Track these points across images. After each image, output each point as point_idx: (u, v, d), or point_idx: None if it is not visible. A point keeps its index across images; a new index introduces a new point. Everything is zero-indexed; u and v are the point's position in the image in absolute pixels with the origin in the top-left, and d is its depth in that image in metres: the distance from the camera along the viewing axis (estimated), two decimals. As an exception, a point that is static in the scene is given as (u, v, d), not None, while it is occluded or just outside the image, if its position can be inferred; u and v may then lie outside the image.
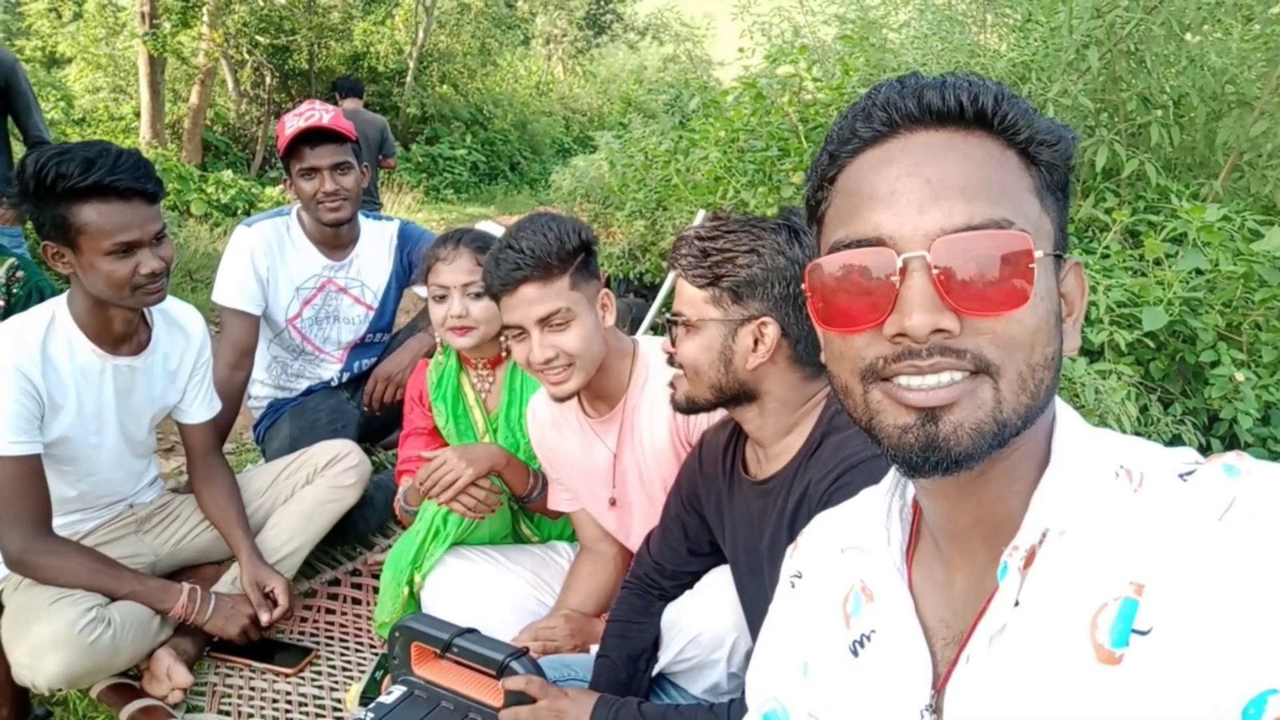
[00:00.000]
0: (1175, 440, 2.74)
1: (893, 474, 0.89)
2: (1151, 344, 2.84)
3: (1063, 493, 0.72)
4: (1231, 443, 2.84)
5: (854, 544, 0.90)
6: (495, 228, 2.52)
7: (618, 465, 1.97)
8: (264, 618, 2.17)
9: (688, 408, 1.54)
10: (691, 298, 1.47)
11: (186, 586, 2.11)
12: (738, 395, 1.48)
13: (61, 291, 3.18)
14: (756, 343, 1.44)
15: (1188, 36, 3.47)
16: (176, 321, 2.25)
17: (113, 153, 1.90)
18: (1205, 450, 2.81)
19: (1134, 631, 0.64)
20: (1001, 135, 0.72)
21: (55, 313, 2.02)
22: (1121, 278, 2.87)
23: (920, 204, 0.70)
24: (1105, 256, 3.02)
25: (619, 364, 1.92)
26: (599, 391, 1.93)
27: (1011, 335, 0.69)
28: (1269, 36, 3.32)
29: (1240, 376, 2.63)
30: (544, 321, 1.77)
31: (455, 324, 2.20)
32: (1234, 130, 3.38)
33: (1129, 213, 3.23)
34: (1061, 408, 0.77)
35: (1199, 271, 2.78)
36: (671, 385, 1.56)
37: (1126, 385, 2.56)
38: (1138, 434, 2.65)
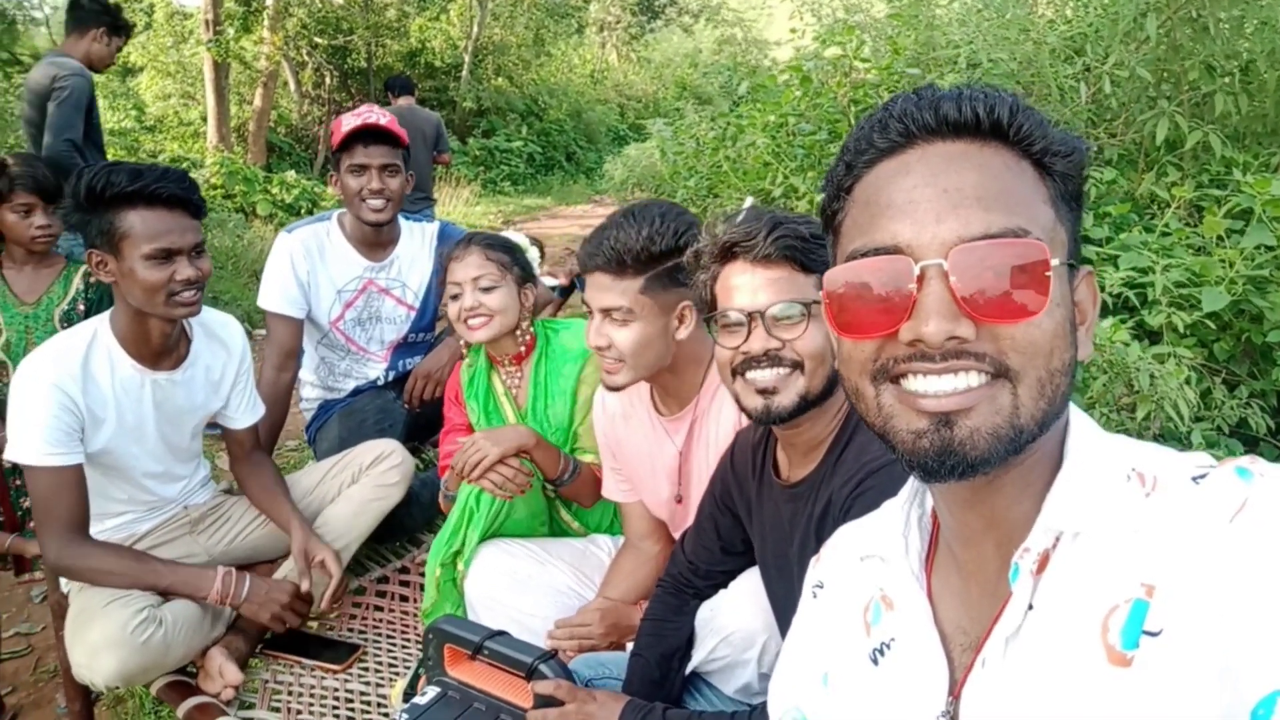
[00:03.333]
0: (1242, 423, 2.63)
1: (912, 483, 0.90)
2: (1214, 325, 2.72)
3: (1075, 496, 0.73)
4: (1303, 426, 2.71)
5: (873, 553, 0.91)
6: (518, 235, 2.54)
7: (684, 465, 1.96)
8: (304, 585, 2.23)
9: (799, 408, 1.41)
10: (802, 284, 1.41)
11: (221, 570, 2.15)
12: (832, 387, 1.44)
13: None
14: None
15: (1254, -1, 3.30)
16: (215, 334, 2.31)
17: (161, 168, 2.02)
18: (1275, 433, 2.69)
19: (1145, 633, 0.64)
20: (1016, 146, 0.73)
21: (97, 330, 2.10)
22: (1182, 256, 2.76)
23: (937, 213, 0.71)
24: (1165, 234, 2.90)
25: (692, 368, 1.90)
26: (671, 390, 1.93)
27: (1031, 341, 0.69)
28: (1345, -6, 3.14)
29: (1311, 357, 2.50)
30: (606, 312, 1.79)
31: (469, 316, 2.24)
32: (1307, 95, 3.21)
33: (1192, 187, 3.10)
34: (1075, 412, 0.77)
35: (1266, 247, 2.66)
36: (767, 392, 1.41)
37: (1186, 369, 2.45)
38: (1199, 419, 2.55)
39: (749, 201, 1.65)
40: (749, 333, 1.40)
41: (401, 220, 2.95)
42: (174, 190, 1.99)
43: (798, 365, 1.39)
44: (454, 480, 2.26)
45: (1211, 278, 2.60)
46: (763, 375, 1.40)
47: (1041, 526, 0.72)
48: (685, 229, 1.76)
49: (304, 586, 2.24)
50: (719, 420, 1.88)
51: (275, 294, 2.78)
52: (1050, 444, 0.75)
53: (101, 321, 2.12)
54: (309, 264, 2.81)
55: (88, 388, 2.04)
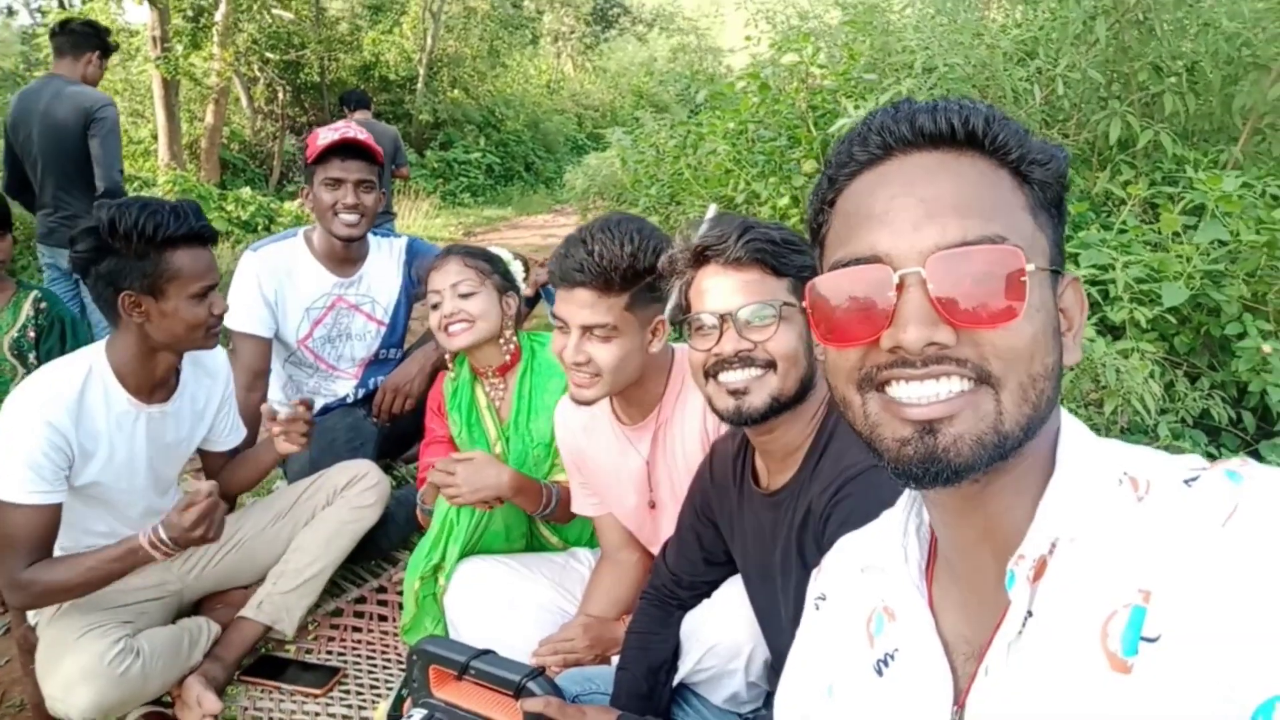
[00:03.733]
0: (1204, 415, 2.69)
1: (909, 492, 0.90)
2: (1174, 319, 2.78)
3: (1068, 502, 0.73)
4: (1263, 415, 2.77)
5: (873, 564, 0.91)
6: (501, 250, 2.53)
7: (653, 472, 1.96)
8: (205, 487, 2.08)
9: (771, 409, 1.41)
10: (773, 286, 1.42)
11: (143, 537, 2.01)
12: (806, 390, 1.45)
13: (82, 323, 3.25)
14: None
15: (1198, 1, 3.39)
16: (201, 362, 2.29)
17: (179, 204, 2.01)
18: (1236, 423, 2.76)
19: (1143, 639, 0.64)
20: (993, 155, 0.74)
21: (93, 364, 2.05)
22: (1140, 253, 2.81)
23: (915, 222, 0.72)
24: (1123, 232, 2.96)
25: (656, 377, 1.90)
26: (633, 400, 1.92)
27: (1011, 346, 0.70)
28: (1283, -5, 3.23)
29: (1268, 348, 2.56)
30: (587, 329, 1.76)
31: (449, 322, 2.24)
32: (1251, 94, 3.30)
33: (1145, 185, 3.17)
34: (1066, 417, 0.78)
35: (1220, 243, 2.72)
36: (738, 393, 1.41)
37: (1149, 363, 2.51)
38: (1164, 411, 2.61)
39: (713, 208, 1.65)
40: (720, 335, 1.41)
41: (370, 236, 2.93)
42: (209, 227, 2.03)
43: (770, 365, 1.40)
44: (430, 494, 2.25)
45: (1170, 273, 2.66)
46: (734, 377, 1.41)
47: (1035, 533, 0.73)
48: (663, 245, 1.75)
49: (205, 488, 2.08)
50: (684, 425, 1.89)
51: (242, 314, 2.74)
52: (1041, 450, 0.75)
53: (97, 355, 2.07)
54: (275, 283, 2.77)
55: (81, 422, 2.00)
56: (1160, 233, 2.85)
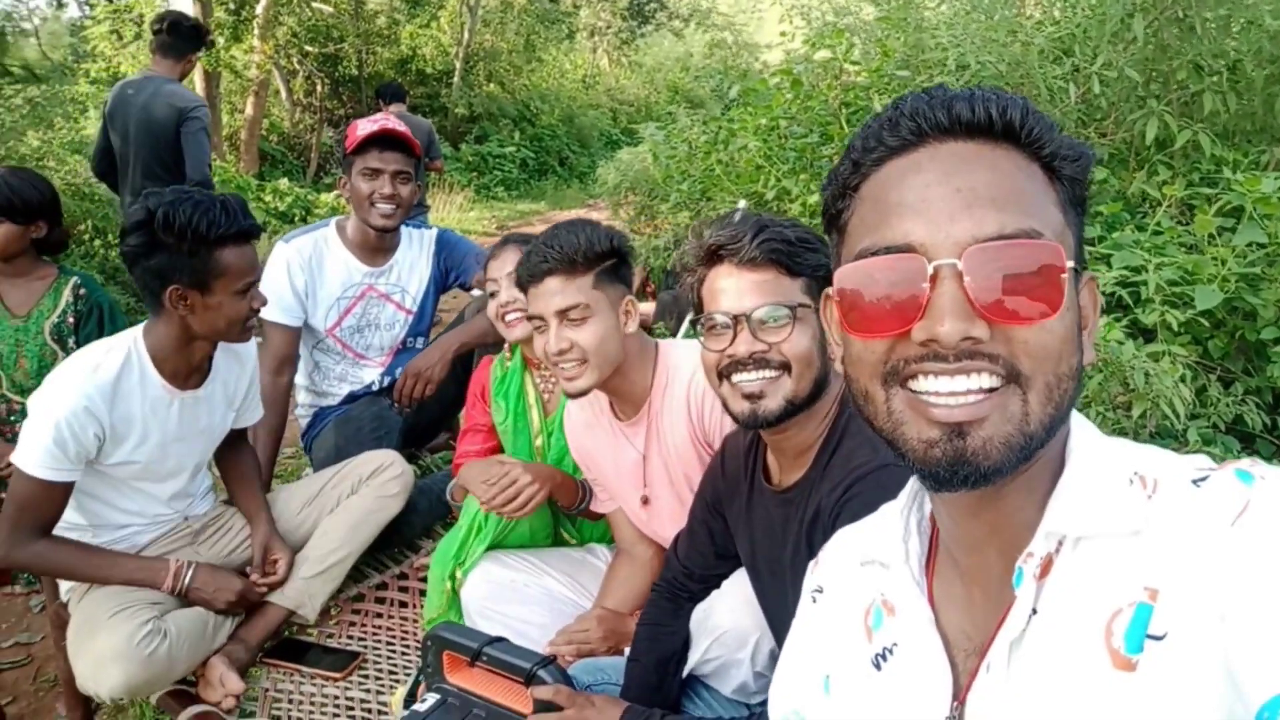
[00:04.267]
0: (1238, 420, 2.64)
1: (910, 487, 0.89)
2: (1208, 323, 2.73)
3: (1077, 500, 0.72)
4: (1298, 421, 2.72)
5: (874, 558, 0.90)
6: None
7: (647, 466, 1.99)
8: (254, 576, 2.31)
9: (786, 412, 1.41)
10: (788, 287, 1.42)
11: (173, 564, 2.17)
12: (820, 391, 1.44)
13: (123, 310, 3.32)
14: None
15: (1241, -2, 3.31)
16: (231, 347, 2.33)
17: (227, 200, 2.06)
18: (1271, 429, 2.70)
19: (1149, 637, 0.64)
20: (1027, 149, 0.73)
21: (131, 348, 2.11)
22: (1175, 255, 2.76)
23: (951, 212, 0.70)
24: (1158, 233, 2.91)
25: (642, 368, 1.94)
26: (625, 395, 1.96)
27: (1043, 344, 0.69)
28: (1331, -8, 3.16)
29: (1304, 353, 2.51)
30: (563, 314, 1.81)
31: (506, 311, 2.29)
32: (1294, 94, 3.22)
33: (1182, 186, 3.11)
34: (1076, 417, 0.77)
35: (1258, 245, 2.66)
36: (754, 396, 1.40)
37: (1181, 367, 2.46)
38: (1195, 416, 2.56)
39: (742, 205, 1.66)
40: (734, 336, 1.40)
41: (401, 227, 2.97)
42: (255, 224, 2.09)
43: (785, 367, 1.39)
44: (459, 493, 2.32)
45: (1204, 276, 2.61)
46: (749, 378, 1.40)
47: (1045, 531, 0.72)
48: (615, 234, 1.89)
49: (254, 578, 2.30)
50: (671, 416, 1.91)
51: (272, 303, 2.78)
52: (1053, 448, 0.74)
53: (135, 340, 2.12)
54: (306, 274, 2.82)
55: (116, 405, 2.05)
56: (1196, 234, 2.79)
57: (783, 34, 6.28)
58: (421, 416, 2.95)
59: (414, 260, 3.01)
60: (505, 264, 2.30)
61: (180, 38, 4.29)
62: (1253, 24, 3.29)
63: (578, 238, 1.82)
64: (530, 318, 1.90)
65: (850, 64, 4.74)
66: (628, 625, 2.02)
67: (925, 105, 0.73)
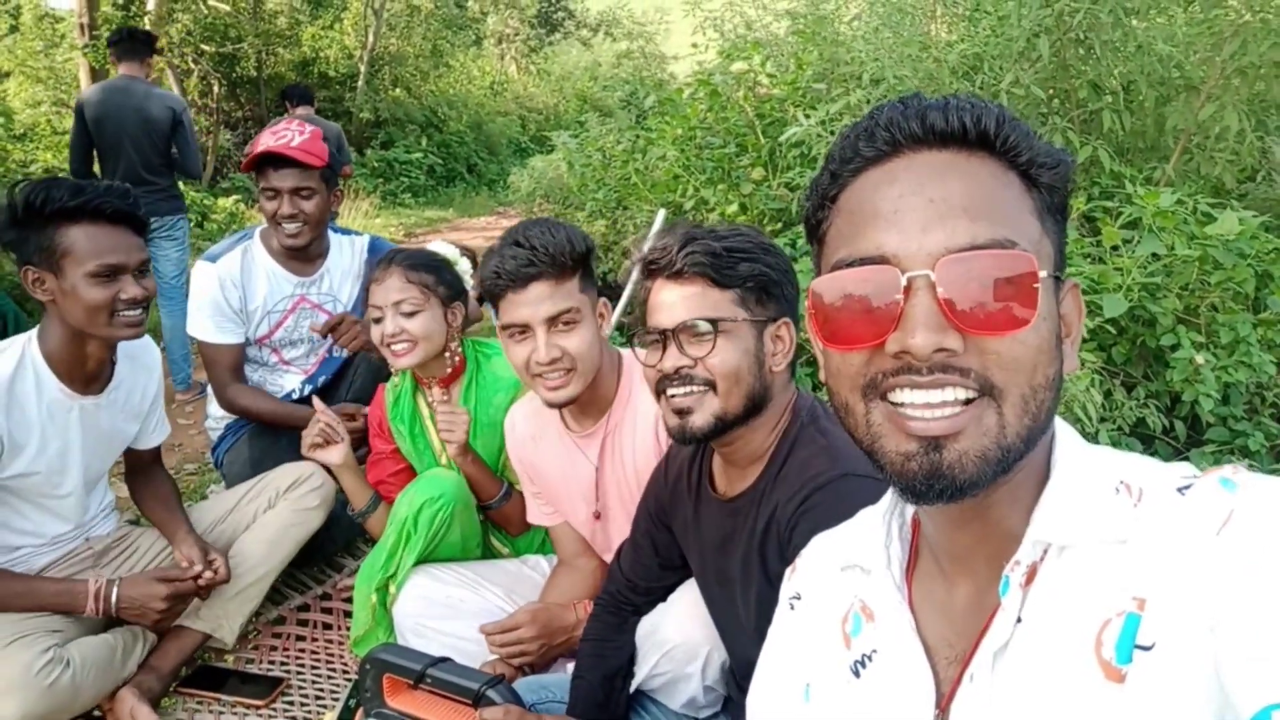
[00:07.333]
0: (1140, 423, 2.77)
1: (891, 493, 0.89)
2: (1113, 330, 2.87)
3: (1063, 509, 0.72)
4: (1193, 423, 2.88)
5: (855, 563, 0.90)
6: (446, 247, 2.48)
7: (600, 480, 1.93)
8: (196, 569, 2.15)
9: (715, 428, 1.37)
10: (715, 300, 1.38)
11: (92, 584, 2.04)
12: (758, 405, 1.39)
13: (26, 315, 3.12)
14: (777, 343, 1.40)
15: (1134, 23, 3.51)
16: (137, 356, 2.22)
17: (104, 185, 1.96)
18: (1169, 432, 2.85)
19: (1137, 647, 0.64)
20: (1003, 157, 0.72)
21: (25, 350, 1.99)
22: (1081, 265, 2.90)
23: (924, 223, 0.70)
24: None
25: (609, 377, 1.88)
26: (587, 404, 1.88)
27: (1015, 356, 0.68)
28: (1211, 21, 3.37)
29: (1200, 359, 2.66)
30: (552, 321, 1.73)
31: (392, 341, 2.16)
32: (1182, 114, 3.43)
33: (1084, 199, 3.26)
34: (1060, 425, 0.77)
35: (1156, 256, 2.81)
36: (682, 412, 1.38)
37: (1090, 372, 2.58)
38: (1103, 419, 2.68)
39: (661, 214, 1.66)
40: (664, 350, 1.39)
41: (330, 234, 2.90)
42: (118, 206, 1.94)
43: (710, 384, 1.37)
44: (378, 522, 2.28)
45: (1110, 285, 2.74)
46: (677, 393, 1.39)
47: (1032, 539, 0.72)
48: (583, 232, 1.82)
49: (196, 569, 2.15)
50: (634, 431, 1.87)
51: (212, 328, 2.73)
52: (1038, 457, 0.74)
53: (29, 341, 2.00)
54: (238, 291, 2.75)
55: (11, 411, 1.93)
56: (1100, 245, 2.93)
57: (694, 45, 6.36)
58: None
59: (346, 268, 2.93)
60: (390, 291, 2.15)
61: (139, 42, 4.92)
62: (1143, 48, 3.48)
63: (558, 236, 1.72)
64: (504, 327, 1.79)
65: (765, 76, 4.82)
66: (563, 618, 1.97)
67: (900, 115, 0.73)
